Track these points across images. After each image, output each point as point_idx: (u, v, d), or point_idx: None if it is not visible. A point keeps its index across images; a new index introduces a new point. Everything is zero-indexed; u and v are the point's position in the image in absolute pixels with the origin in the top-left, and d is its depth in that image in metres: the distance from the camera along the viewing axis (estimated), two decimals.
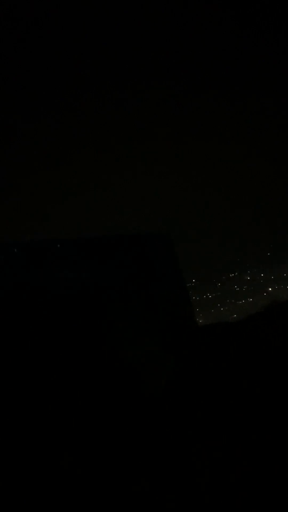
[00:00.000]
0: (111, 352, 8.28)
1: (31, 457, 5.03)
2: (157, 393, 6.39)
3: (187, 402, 5.99)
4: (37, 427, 5.91)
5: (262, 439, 4.12)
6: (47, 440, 5.49)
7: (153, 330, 9.62)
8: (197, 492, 3.47)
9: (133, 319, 9.38)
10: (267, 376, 6.14)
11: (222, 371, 7.23)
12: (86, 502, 3.79)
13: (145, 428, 5.26)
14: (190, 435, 4.75)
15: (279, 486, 3.22)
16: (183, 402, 6.08)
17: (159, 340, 9.47)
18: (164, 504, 3.42)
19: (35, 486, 4.34)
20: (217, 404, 5.56)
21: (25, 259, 7.80)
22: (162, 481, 3.82)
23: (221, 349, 8.62)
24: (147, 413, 5.73)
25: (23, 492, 4.24)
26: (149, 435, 5.01)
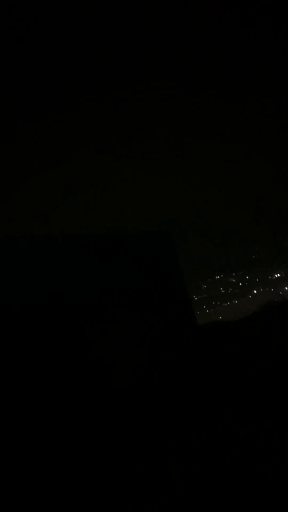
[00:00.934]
0: (110, 352, 8.25)
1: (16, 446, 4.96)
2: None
3: (187, 401, 6.02)
4: (36, 425, 5.85)
5: (262, 439, 4.16)
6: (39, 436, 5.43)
7: (153, 329, 9.63)
8: (197, 492, 3.49)
9: (133, 318, 9.37)
10: (267, 376, 6.22)
11: (222, 369, 7.30)
12: (77, 500, 3.76)
13: (143, 427, 5.26)
14: (190, 435, 4.77)
15: (279, 486, 3.27)
16: (183, 400, 6.11)
17: (158, 338, 9.49)
18: (160, 503, 3.42)
19: (26, 483, 4.28)
20: (217, 403, 5.60)
21: (24, 257, 7.70)
22: (159, 480, 3.82)
23: (221, 349, 8.71)
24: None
25: (16, 491, 4.18)
26: (149, 435, 5.01)
